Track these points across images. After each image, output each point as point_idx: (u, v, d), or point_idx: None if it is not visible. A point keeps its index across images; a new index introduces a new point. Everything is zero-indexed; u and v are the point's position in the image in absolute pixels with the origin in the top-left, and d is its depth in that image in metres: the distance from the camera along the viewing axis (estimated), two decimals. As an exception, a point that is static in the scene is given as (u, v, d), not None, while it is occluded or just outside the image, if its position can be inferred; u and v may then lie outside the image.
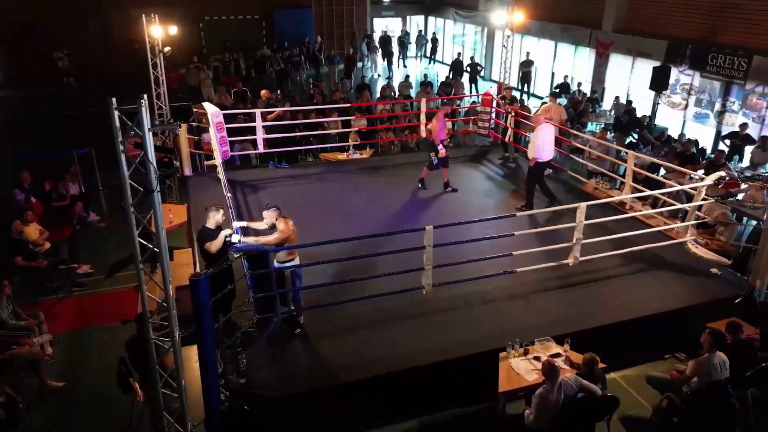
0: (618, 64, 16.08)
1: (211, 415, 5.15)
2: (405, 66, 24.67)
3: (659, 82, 13.61)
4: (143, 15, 10.09)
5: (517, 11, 11.52)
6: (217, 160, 9.82)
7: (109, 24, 22.93)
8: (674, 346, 6.84)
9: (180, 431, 4.82)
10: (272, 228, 5.90)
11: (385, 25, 27.82)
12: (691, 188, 7.43)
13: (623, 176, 9.99)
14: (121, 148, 4.02)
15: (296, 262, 6.02)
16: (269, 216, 5.89)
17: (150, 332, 4.50)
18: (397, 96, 16.19)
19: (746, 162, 11.33)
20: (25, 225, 8.25)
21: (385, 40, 23.76)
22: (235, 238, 5.68)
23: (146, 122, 3.92)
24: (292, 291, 6.01)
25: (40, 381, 6.30)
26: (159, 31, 9.93)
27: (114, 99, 3.92)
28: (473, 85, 19.34)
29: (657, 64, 14.08)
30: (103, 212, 10.84)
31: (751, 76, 12.25)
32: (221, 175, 8.72)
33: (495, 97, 11.89)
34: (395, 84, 17.92)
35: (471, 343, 6.03)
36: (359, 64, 22.85)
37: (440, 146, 9.58)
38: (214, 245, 5.70)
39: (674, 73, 13.94)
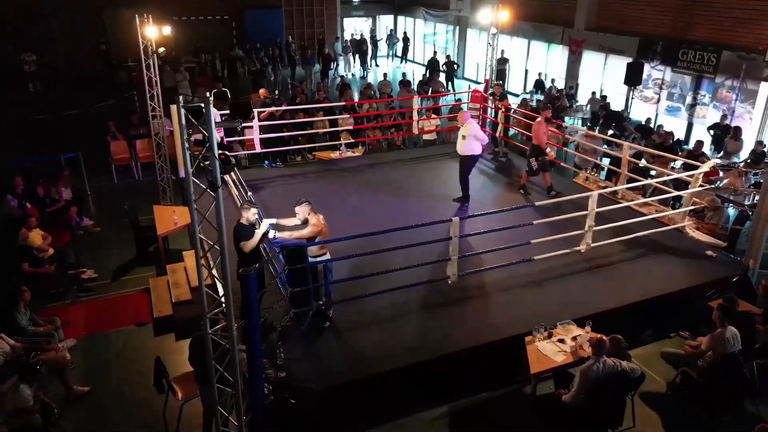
0: (591, 60, 16.67)
1: (257, 408, 5.22)
2: (377, 65, 24.86)
3: (633, 78, 14.25)
4: (137, 16, 9.93)
5: (503, 10, 11.82)
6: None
7: (72, 25, 22.33)
8: (678, 324, 7.27)
9: (236, 424, 4.87)
10: (304, 223, 6.00)
11: (353, 26, 27.96)
12: (687, 176, 7.87)
13: (611, 167, 10.47)
14: (186, 145, 4.04)
15: (327, 256, 6.13)
16: (302, 211, 5.98)
17: (207, 328, 4.54)
18: (378, 95, 16.39)
19: (721, 152, 11.99)
20: (29, 231, 8.08)
21: (359, 42, 23.93)
22: (271, 234, 5.75)
23: (213, 119, 3.98)
24: (325, 285, 6.12)
25: (65, 386, 6.22)
26: (154, 31, 9.79)
27: (180, 97, 3.95)
28: (449, 83, 19.70)
29: (629, 60, 14.70)
30: (93, 217, 10.66)
31: (720, 70, 12.94)
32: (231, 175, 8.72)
33: (485, 94, 12.19)
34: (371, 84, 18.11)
35: (498, 329, 6.27)
36: (333, 64, 22.91)
37: (548, 149, 9.53)
38: (249, 245, 5.74)
39: (646, 68, 14.58)
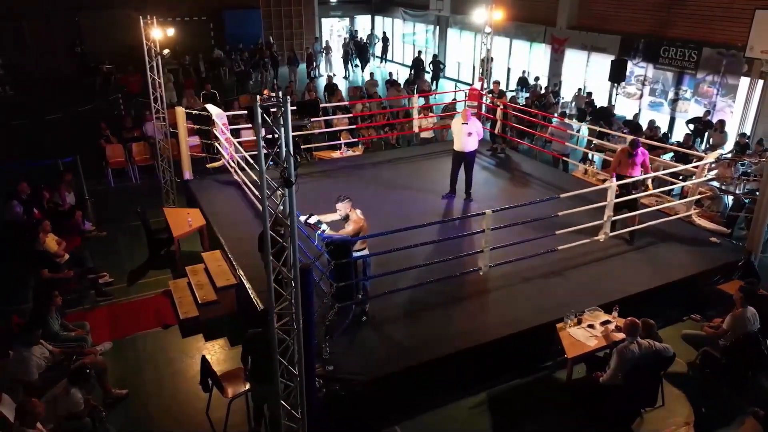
0: (573, 58, 17.14)
1: (312, 402, 5.32)
2: (357, 66, 24.93)
3: (617, 75, 14.71)
4: (140, 17, 9.88)
5: (495, 10, 12.13)
6: (227, 161, 9.83)
7: (45, 27, 21.79)
8: (689, 308, 7.65)
9: (297, 417, 4.96)
10: (345, 219, 6.12)
11: (330, 25, 28.02)
12: (693, 167, 8.27)
13: (607, 158, 10.84)
14: (262, 143, 4.12)
15: (367, 251, 6.27)
16: (343, 207, 6.08)
17: (274, 324, 4.62)
18: (366, 95, 16.51)
19: (704, 145, 12.55)
20: (45, 236, 7.97)
21: (361, 45, 24.11)
22: (323, 227, 5.84)
23: (289, 117, 4.06)
24: (365, 279, 6.26)
25: (104, 389, 6.19)
26: (159, 33, 9.76)
27: (258, 96, 4.03)
28: (435, 82, 19.95)
29: (612, 58, 15.18)
30: (94, 222, 10.49)
31: (701, 66, 13.52)
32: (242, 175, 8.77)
33: (482, 92, 12.47)
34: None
35: (530, 317, 6.51)
36: (313, 64, 22.93)
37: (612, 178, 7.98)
38: None
39: (629, 65, 15.07)
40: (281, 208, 4.39)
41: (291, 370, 4.84)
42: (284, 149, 4.13)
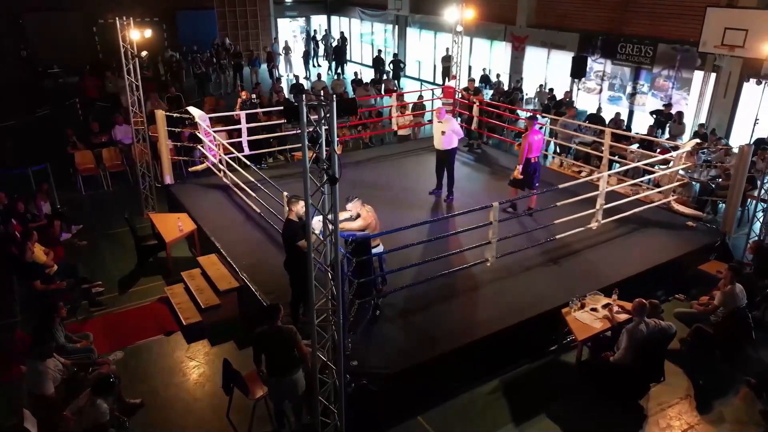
0: (534, 55, 17.69)
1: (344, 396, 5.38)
2: (318, 65, 24.87)
3: (578, 70, 15.33)
4: (116, 19, 9.61)
5: (467, 9, 12.43)
6: (214, 162, 9.70)
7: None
8: (674, 288, 8.11)
9: (333, 411, 5.03)
10: (357, 218, 6.20)
11: (281, 25, 27.78)
12: (670, 156, 8.76)
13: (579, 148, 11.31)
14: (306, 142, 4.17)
15: (381, 247, 6.36)
16: (355, 207, 6.15)
17: (314, 320, 4.67)
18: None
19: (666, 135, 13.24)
20: (33, 247, 7.67)
21: (338, 48, 23.96)
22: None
23: (335, 115, 4.13)
24: (384, 274, 6.36)
25: (119, 399, 6.04)
26: (136, 34, 9.54)
27: (303, 96, 4.07)
28: (397, 82, 20.15)
29: (571, 54, 15.80)
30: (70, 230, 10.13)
31: (657, 61, 14.24)
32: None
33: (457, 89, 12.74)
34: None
35: (537, 304, 6.76)
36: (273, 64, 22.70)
37: (520, 166, 8.65)
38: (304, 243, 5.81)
39: (588, 61, 15.71)
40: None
41: (329, 365, 4.91)
42: (325, 147, 4.20)
